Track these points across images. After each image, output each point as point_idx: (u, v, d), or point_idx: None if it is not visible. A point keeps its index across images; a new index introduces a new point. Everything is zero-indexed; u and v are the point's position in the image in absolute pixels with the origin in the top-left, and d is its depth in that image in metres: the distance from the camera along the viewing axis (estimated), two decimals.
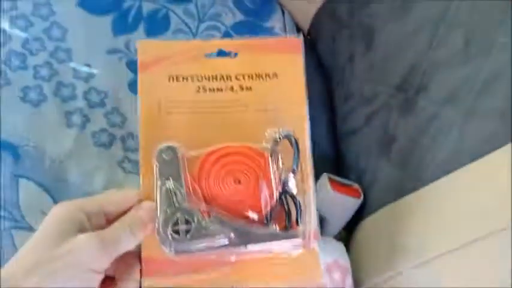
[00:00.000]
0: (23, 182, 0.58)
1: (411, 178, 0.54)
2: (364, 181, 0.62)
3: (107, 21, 0.70)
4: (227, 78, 0.43)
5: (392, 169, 0.58)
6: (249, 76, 0.43)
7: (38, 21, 0.67)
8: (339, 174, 0.66)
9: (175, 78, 0.42)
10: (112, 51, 0.68)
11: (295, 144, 0.40)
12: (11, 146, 0.59)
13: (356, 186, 0.61)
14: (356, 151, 0.66)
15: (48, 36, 0.67)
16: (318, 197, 0.61)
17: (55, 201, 0.57)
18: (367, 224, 0.60)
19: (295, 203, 0.41)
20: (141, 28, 0.72)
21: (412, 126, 0.56)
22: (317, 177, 0.62)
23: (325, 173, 0.61)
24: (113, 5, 0.72)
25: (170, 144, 0.40)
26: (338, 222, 0.61)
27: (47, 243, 0.34)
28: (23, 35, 0.66)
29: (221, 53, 0.44)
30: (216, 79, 0.43)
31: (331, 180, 0.60)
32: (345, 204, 0.60)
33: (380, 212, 0.58)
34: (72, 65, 0.66)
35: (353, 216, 0.61)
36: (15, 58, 0.64)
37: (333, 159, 0.71)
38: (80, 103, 0.64)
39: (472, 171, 0.48)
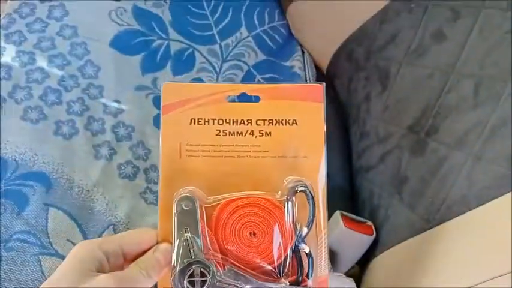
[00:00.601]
0: (52, 210, 0.61)
1: (422, 218, 0.56)
2: (377, 218, 0.63)
3: (136, 60, 0.75)
4: (248, 123, 0.43)
5: (404, 208, 0.59)
6: (269, 121, 0.43)
7: (74, 59, 0.73)
8: (352, 208, 0.68)
9: (196, 121, 0.43)
10: (140, 88, 0.73)
11: (311, 199, 0.41)
12: (44, 176, 0.63)
13: (369, 223, 0.63)
14: (370, 188, 0.67)
15: (82, 74, 0.72)
16: (330, 233, 0.63)
17: (81, 229, 0.61)
18: (379, 261, 0.61)
19: (308, 259, 0.41)
20: (168, 67, 0.77)
21: (423, 167, 0.58)
22: (331, 210, 0.65)
23: (338, 210, 0.63)
24: (142, 45, 0.77)
25: (189, 194, 0.40)
26: (350, 258, 0.62)
27: (69, 282, 0.35)
28: (60, 72, 0.71)
29: (243, 97, 0.44)
30: (237, 123, 0.43)
31: (343, 217, 0.62)
32: (357, 241, 0.61)
33: (392, 250, 0.59)
34: (103, 100, 0.71)
35: (366, 252, 0.62)
36: (52, 94, 0.70)
37: (347, 194, 0.73)
38: (108, 136, 0.68)
39: (480, 215, 0.49)
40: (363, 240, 0.61)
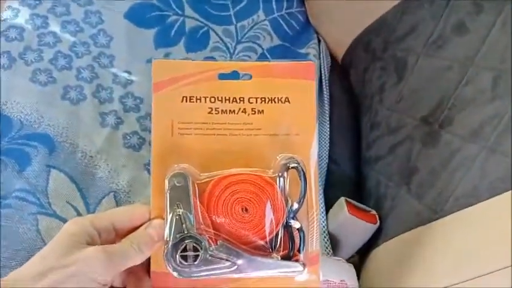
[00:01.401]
0: (54, 172, 0.61)
1: (429, 209, 0.54)
2: (383, 207, 0.62)
3: (150, 33, 0.75)
4: (240, 100, 0.42)
5: (411, 199, 0.58)
6: (261, 99, 0.42)
7: (87, 27, 0.72)
8: (358, 197, 0.67)
9: (188, 99, 0.42)
10: (151, 61, 0.72)
11: (303, 176, 0.41)
12: (48, 138, 0.63)
13: (373, 212, 0.62)
14: (377, 178, 0.66)
15: (94, 42, 0.72)
16: (333, 219, 0.62)
17: (81, 193, 0.60)
18: (381, 250, 0.59)
19: (299, 233, 0.41)
20: (181, 43, 0.76)
21: (434, 158, 0.56)
22: (336, 197, 0.64)
23: (343, 197, 0.61)
24: (157, 19, 0.76)
25: (181, 171, 0.40)
26: (351, 245, 0.61)
27: (57, 253, 0.36)
28: (72, 38, 0.71)
29: (235, 75, 0.43)
30: (229, 101, 0.42)
31: (348, 204, 0.60)
32: (360, 229, 0.60)
33: (395, 239, 0.58)
34: (113, 70, 0.70)
35: (368, 241, 0.61)
36: (62, 59, 0.69)
37: (354, 182, 0.72)
38: (116, 106, 0.68)
39: (489, 208, 0.48)
40: (366, 229, 0.60)
